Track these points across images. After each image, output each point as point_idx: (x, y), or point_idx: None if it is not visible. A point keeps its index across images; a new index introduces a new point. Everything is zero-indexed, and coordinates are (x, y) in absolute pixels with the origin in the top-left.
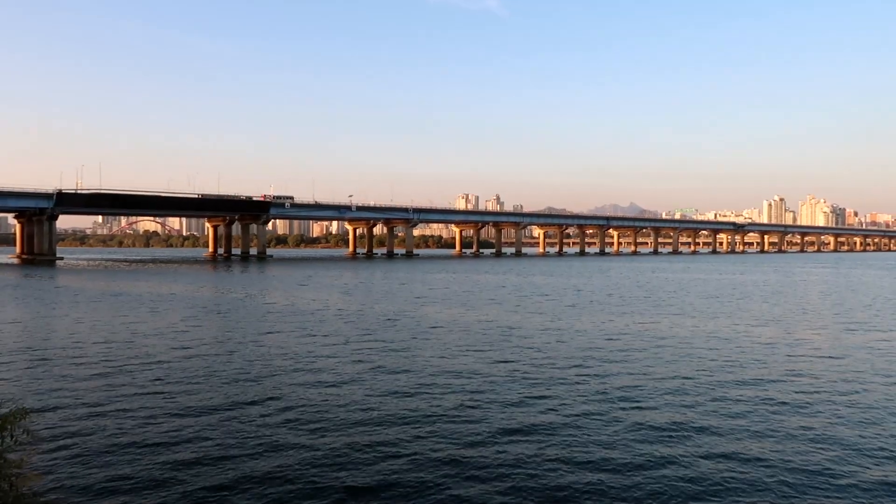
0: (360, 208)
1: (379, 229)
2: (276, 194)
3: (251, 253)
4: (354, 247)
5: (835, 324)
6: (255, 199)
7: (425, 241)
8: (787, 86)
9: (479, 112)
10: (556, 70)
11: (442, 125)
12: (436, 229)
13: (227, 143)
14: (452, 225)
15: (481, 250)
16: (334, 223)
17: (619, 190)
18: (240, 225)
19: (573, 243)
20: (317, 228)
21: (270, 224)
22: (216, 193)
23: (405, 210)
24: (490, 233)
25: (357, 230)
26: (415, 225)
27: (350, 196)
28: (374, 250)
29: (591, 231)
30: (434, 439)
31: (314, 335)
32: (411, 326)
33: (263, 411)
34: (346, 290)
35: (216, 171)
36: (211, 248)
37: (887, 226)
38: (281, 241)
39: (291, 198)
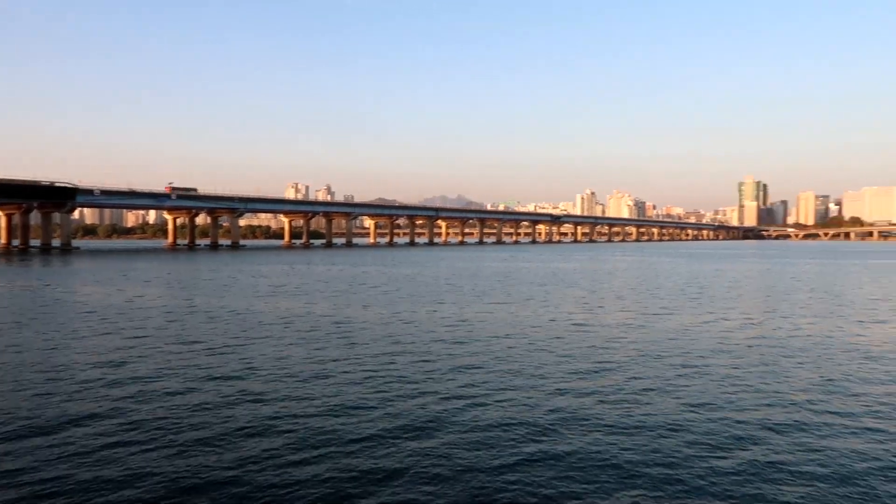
0: (181, 196)
1: (202, 219)
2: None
3: (54, 245)
4: (175, 238)
5: (642, 308)
6: (58, 184)
7: (252, 231)
8: (581, 89)
9: (311, 98)
10: (386, 61)
11: (270, 111)
12: (264, 219)
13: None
14: (281, 215)
15: (311, 241)
16: (152, 213)
17: (448, 182)
18: (39, 213)
19: (403, 234)
20: (132, 218)
21: (77, 213)
22: (8, 178)
23: (231, 199)
24: (320, 223)
25: (178, 220)
26: (241, 215)
27: (170, 183)
28: (198, 241)
29: (420, 222)
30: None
31: (109, 333)
32: (240, 322)
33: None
34: (162, 284)
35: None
36: (3, 240)
37: (679, 218)
38: (90, 231)
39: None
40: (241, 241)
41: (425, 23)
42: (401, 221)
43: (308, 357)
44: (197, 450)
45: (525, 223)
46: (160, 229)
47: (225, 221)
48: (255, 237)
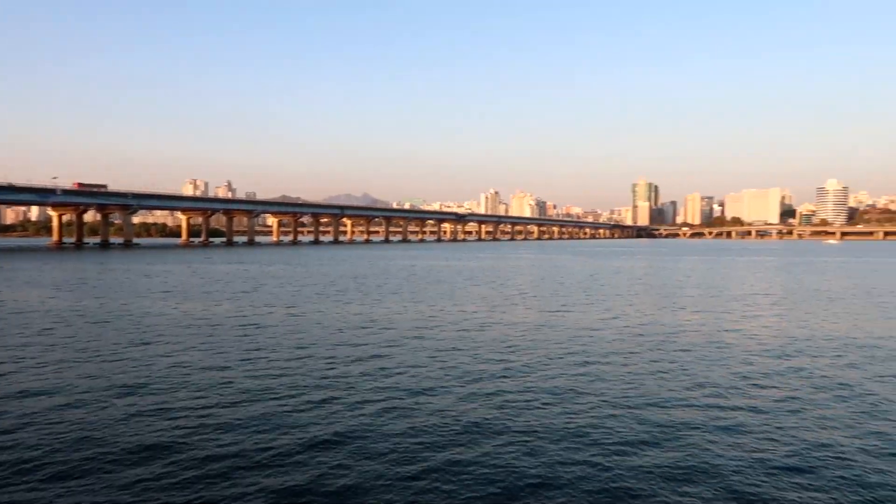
0: (67, 192)
1: (92, 216)
2: None
3: None
4: (60, 236)
5: (546, 305)
6: None
7: (147, 229)
8: (479, 87)
9: (207, 93)
10: (289, 59)
11: (168, 104)
12: (160, 217)
13: None
14: (179, 212)
15: (211, 239)
16: (34, 209)
17: (353, 180)
18: None
19: (308, 232)
20: (11, 214)
21: None
22: None
23: (123, 195)
24: (221, 221)
25: (63, 217)
26: (134, 212)
27: (55, 178)
28: (86, 239)
29: (325, 220)
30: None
31: None
32: (129, 326)
33: None
34: (47, 285)
35: None
36: None
37: (578, 217)
38: None
39: None
40: (136, 240)
41: (325, 20)
42: (305, 220)
43: (208, 363)
44: (79, 473)
45: (431, 222)
46: (44, 227)
47: (117, 219)
48: (149, 235)
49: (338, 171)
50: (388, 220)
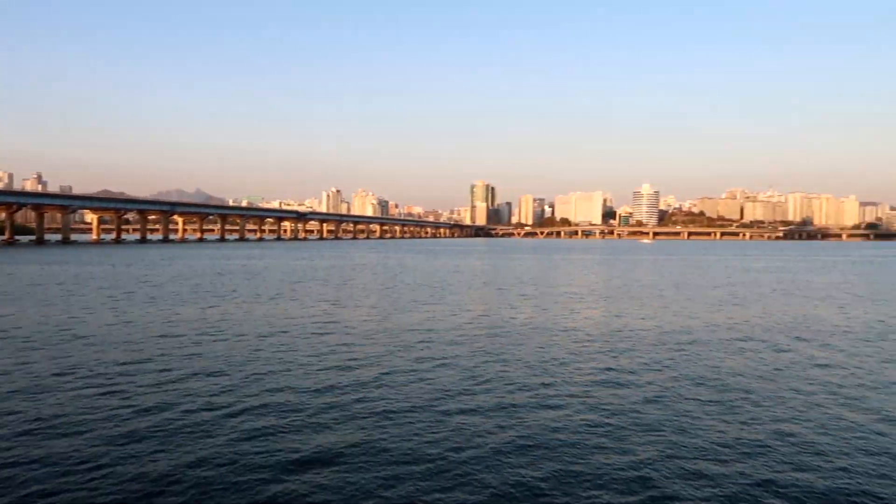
0: None
1: None
2: None
3: None
4: None
5: (389, 303)
6: None
7: None
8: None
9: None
10: (113, 43)
11: None
12: None
13: None
14: None
15: (18, 237)
16: None
17: (185, 175)
18: None
19: (134, 230)
20: None
21: None
22: None
23: None
24: (30, 217)
25: None
26: None
27: None
28: None
29: (154, 217)
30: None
31: None
32: None
33: None
34: None
35: None
36: None
37: (419, 216)
38: None
39: None
40: None
41: (163, 6)
42: (130, 216)
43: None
44: None
45: (270, 220)
46: None
47: None
48: None
49: (169, 167)
50: (224, 217)
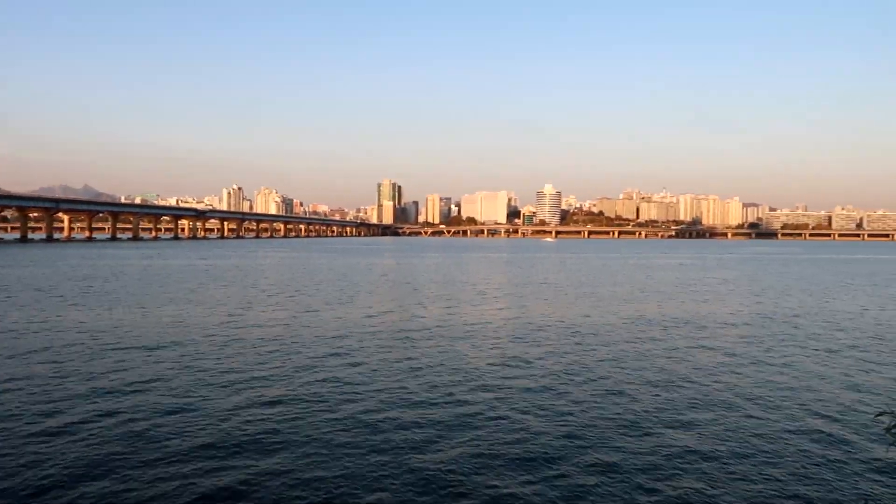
0: None
1: None
2: None
3: None
4: None
5: (297, 304)
6: None
7: None
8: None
9: None
10: None
11: None
12: None
13: None
14: None
15: None
16: None
17: (71, 171)
18: None
19: (12, 228)
20: None
21: None
22: None
23: None
24: None
25: None
26: None
27: None
28: None
29: (35, 214)
30: None
31: None
32: None
33: None
34: None
35: None
36: None
37: (325, 215)
38: None
39: None
40: None
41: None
42: (8, 214)
43: None
44: None
45: (167, 218)
46: None
47: None
48: None
49: (52, 161)
50: (116, 215)
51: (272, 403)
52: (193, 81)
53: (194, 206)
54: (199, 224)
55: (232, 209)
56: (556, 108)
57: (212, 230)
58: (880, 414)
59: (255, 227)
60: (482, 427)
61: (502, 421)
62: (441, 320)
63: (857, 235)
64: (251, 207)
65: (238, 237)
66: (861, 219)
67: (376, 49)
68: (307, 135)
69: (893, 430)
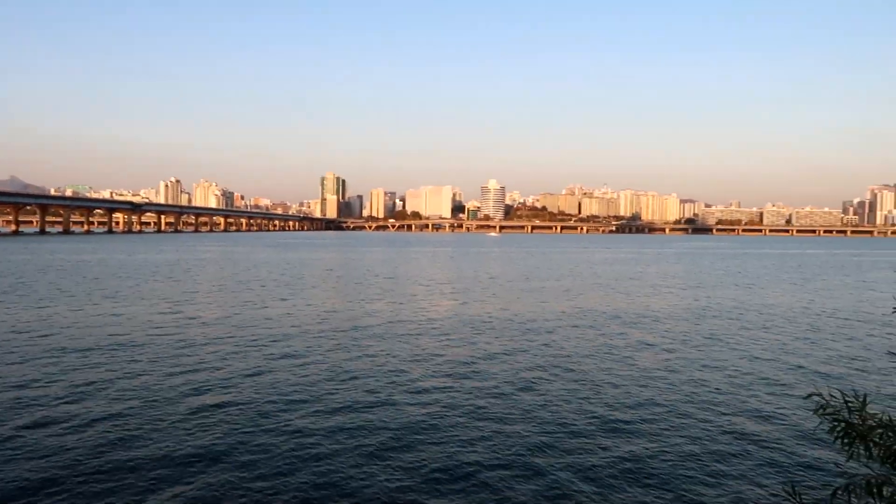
0: None
1: None
2: None
3: None
4: None
5: (237, 299)
6: None
7: None
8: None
9: None
10: None
11: None
12: None
13: None
14: None
15: None
16: None
17: None
18: None
19: None
20: None
21: None
22: None
23: None
24: None
25: None
26: None
27: None
28: None
29: None
30: None
31: None
32: None
33: None
34: None
35: None
36: None
37: (267, 209)
38: None
39: None
40: None
41: None
42: None
43: None
44: None
45: (100, 211)
46: None
47: None
48: None
49: None
50: (45, 208)
51: (215, 407)
52: (129, 70)
53: (130, 198)
54: (134, 218)
55: (169, 202)
56: (501, 104)
57: (148, 224)
58: (809, 395)
59: (194, 221)
60: (419, 437)
61: (447, 426)
62: (387, 318)
63: (787, 231)
64: (190, 201)
65: (176, 231)
66: (790, 215)
67: (317, 42)
68: (248, 127)
69: (820, 411)
